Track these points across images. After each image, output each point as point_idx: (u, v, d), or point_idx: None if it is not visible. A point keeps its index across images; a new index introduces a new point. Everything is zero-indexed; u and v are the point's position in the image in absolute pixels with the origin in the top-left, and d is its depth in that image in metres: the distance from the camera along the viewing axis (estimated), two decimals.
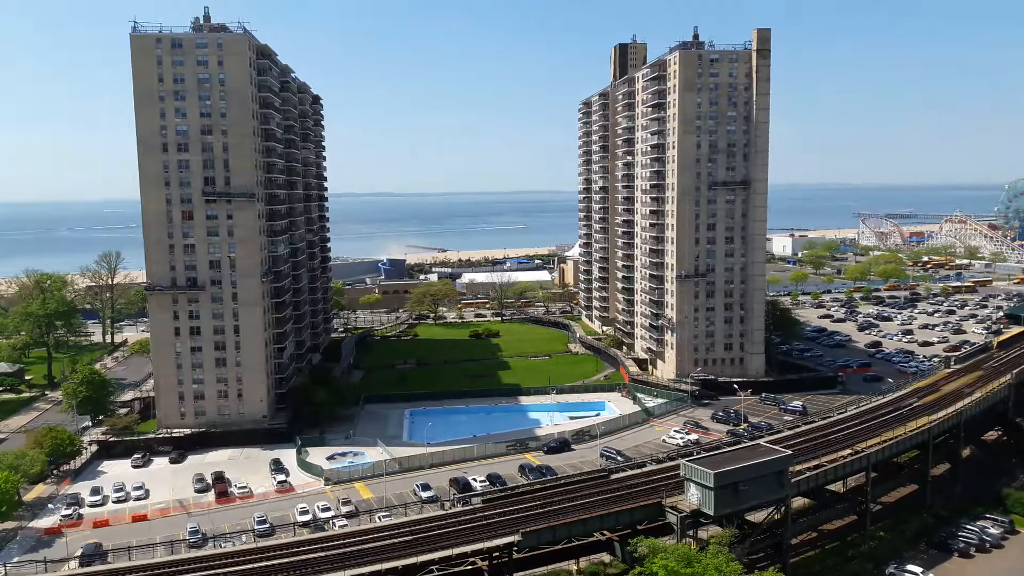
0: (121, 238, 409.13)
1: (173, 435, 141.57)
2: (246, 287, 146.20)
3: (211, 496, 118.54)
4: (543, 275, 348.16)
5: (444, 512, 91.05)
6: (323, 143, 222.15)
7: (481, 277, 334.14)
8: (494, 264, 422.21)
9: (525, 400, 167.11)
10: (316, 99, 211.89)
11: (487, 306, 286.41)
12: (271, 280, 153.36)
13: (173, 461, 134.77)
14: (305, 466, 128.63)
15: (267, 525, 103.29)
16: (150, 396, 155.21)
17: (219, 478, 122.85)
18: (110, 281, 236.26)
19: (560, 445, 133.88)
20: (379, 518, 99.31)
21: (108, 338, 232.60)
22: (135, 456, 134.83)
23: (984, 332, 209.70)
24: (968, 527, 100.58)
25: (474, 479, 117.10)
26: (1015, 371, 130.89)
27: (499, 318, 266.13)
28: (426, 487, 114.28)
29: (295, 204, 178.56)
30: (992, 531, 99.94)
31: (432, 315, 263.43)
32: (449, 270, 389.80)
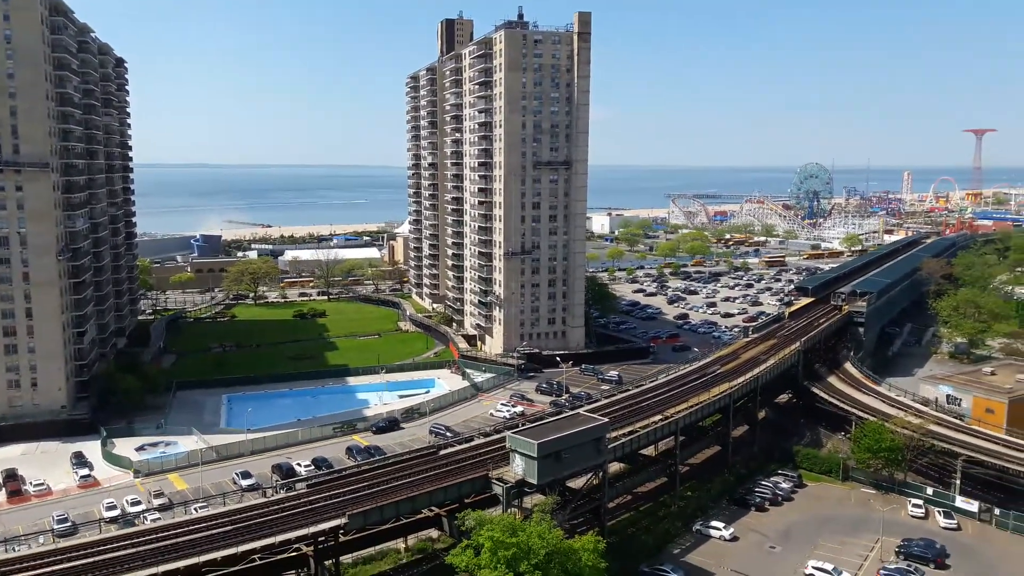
0: None
1: None
2: (40, 266, 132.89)
3: (1, 496, 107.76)
4: (372, 252, 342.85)
5: (266, 500, 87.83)
6: (128, 109, 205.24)
7: (306, 254, 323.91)
8: (320, 241, 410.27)
9: (353, 381, 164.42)
10: (120, 61, 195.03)
11: (312, 285, 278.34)
12: (68, 258, 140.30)
13: None
14: (111, 458, 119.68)
15: (68, 524, 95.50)
16: None
17: (11, 476, 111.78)
18: None
19: (389, 424, 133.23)
20: (195, 509, 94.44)
21: None
22: None
23: (778, 304, 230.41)
24: (763, 483, 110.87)
25: (298, 464, 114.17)
26: (803, 339, 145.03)
27: (325, 297, 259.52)
28: (246, 475, 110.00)
29: (96, 175, 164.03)
30: (784, 485, 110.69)
31: (252, 295, 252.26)
32: (270, 247, 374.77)
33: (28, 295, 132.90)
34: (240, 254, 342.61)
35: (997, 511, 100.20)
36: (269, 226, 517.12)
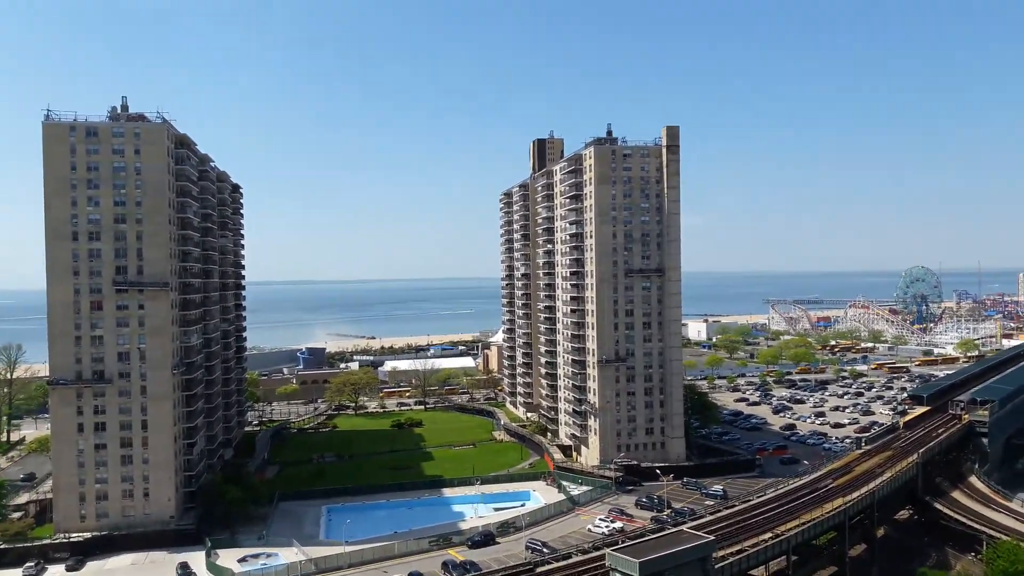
0: (20, 330, 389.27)
1: (71, 540, 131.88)
2: (156, 380, 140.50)
3: None
4: (467, 361, 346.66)
5: None
6: (242, 231, 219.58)
7: (404, 364, 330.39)
8: (418, 351, 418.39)
9: (448, 492, 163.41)
10: (236, 187, 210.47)
11: (410, 394, 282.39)
12: (182, 372, 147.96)
13: (70, 568, 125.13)
14: (215, 570, 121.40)
15: None
16: (47, 498, 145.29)
17: None
18: (9, 375, 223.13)
19: (484, 539, 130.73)
20: None
21: (4, 436, 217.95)
22: (27, 565, 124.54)
23: (891, 413, 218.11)
24: None
25: None
26: (921, 450, 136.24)
27: (422, 406, 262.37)
28: None
29: (210, 293, 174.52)
30: None
31: (352, 405, 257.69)
32: (371, 358, 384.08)
33: (144, 408, 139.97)
34: (343, 365, 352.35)
35: None
36: (373, 337, 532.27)
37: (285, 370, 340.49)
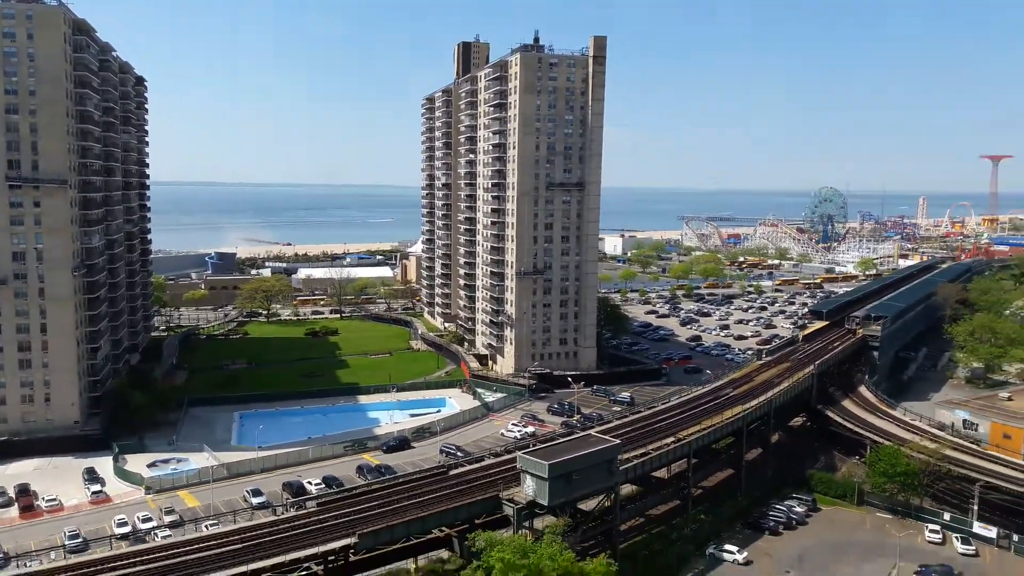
0: None
1: None
2: (55, 281, 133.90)
3: (14, 511, 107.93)
4: (385, 271, 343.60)
5: (276, 517, 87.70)
6: (146, 127, 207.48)
7: (319, 272, 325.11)
8: (334, 259, 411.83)
9: (364, 399, 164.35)
10: (140, 80, 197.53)
11: (325, 303, 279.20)
12: (84, 274, 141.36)
13: None
14: (123, 475, 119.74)
15: (80, 540, 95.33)
16: None
17: (23, 491, 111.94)
18: None
19: (399, 443, 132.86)
20: (206, 527, 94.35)
21: None
22: None
23: (791, 327, 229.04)
24: (777, 507, 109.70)
25: (309, 482, 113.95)
26: (817, 362, 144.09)
27: (338, 315, 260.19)
28: (257, 492, 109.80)
29: (112, 192, 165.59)
30: (798, 509, 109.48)
31: (265, 313, 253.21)
32: (284, 265, 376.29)
33: (43, 310, 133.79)
34: (254, 272, 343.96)
35: (1016, 537, 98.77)
36: (288, 244, 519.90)
37: (193, 275, 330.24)
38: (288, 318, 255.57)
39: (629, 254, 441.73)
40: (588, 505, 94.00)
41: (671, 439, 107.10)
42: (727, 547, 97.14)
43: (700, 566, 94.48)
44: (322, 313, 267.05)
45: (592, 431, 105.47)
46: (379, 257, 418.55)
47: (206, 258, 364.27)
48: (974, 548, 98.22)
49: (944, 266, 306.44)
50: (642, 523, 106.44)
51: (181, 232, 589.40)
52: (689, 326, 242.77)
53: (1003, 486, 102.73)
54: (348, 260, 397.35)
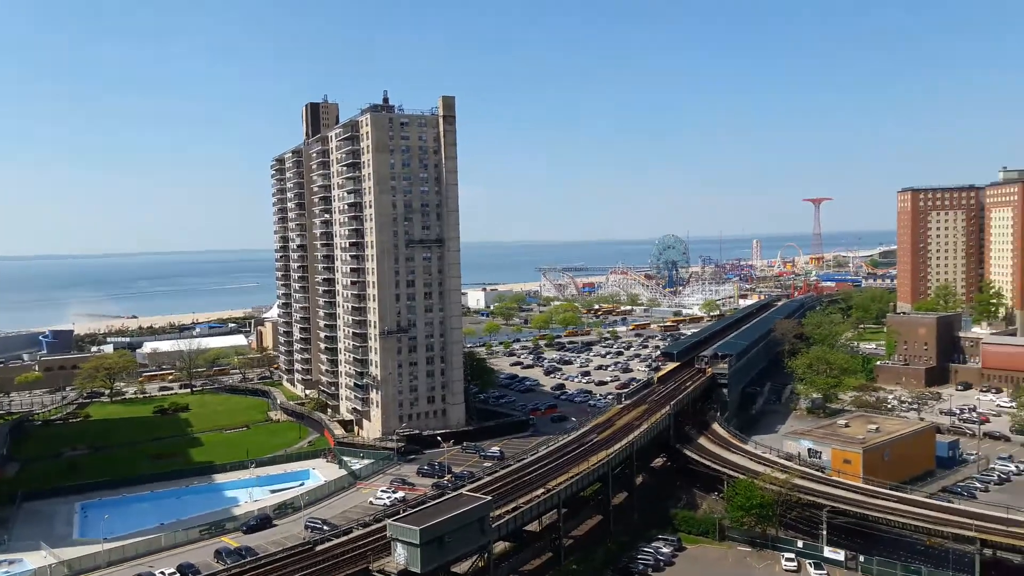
0: None
1: None
2: None
3: None
4: (239, 339, 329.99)
5: None
6: None
7: (166, 345, 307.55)
8: (181, 330, 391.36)
9: (220, 478, 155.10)
10: None
11: (173, 378, 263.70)
12: None
13: None
14: None
15: None
16: None
17: None
18: None
19: (260, 522, 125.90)
20: None
21: None
22: None
23: (646, 369, 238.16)
24: (645, 549, 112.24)
25: (162, 572, 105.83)
26: (672, 402, 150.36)
27: (189, 390, 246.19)
28: None
29: None
30: (665, 550, 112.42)
31: (108, 392, 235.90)
32: (128, 339, 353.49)
33: None
34: (94, 349, 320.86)
35: (862, 558, 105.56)
36: (134, 317, 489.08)
37: (26, 356, 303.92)
38: (134, 396, 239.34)
39: (492, 307, 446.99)
40: (462, 567, 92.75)
41: (541, 491, 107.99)
42: None
43: None
44: (171, 388, 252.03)
45: (463, 490, 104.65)
46: (232, 325, 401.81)
47: (40, 337, 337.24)
48: (826, 572, 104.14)
49: (780, 303, 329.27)
50: None
51: (10, 311, 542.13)
52: (553, 375, 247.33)
53: (847, 509, 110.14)
54: (198, 330, 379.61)
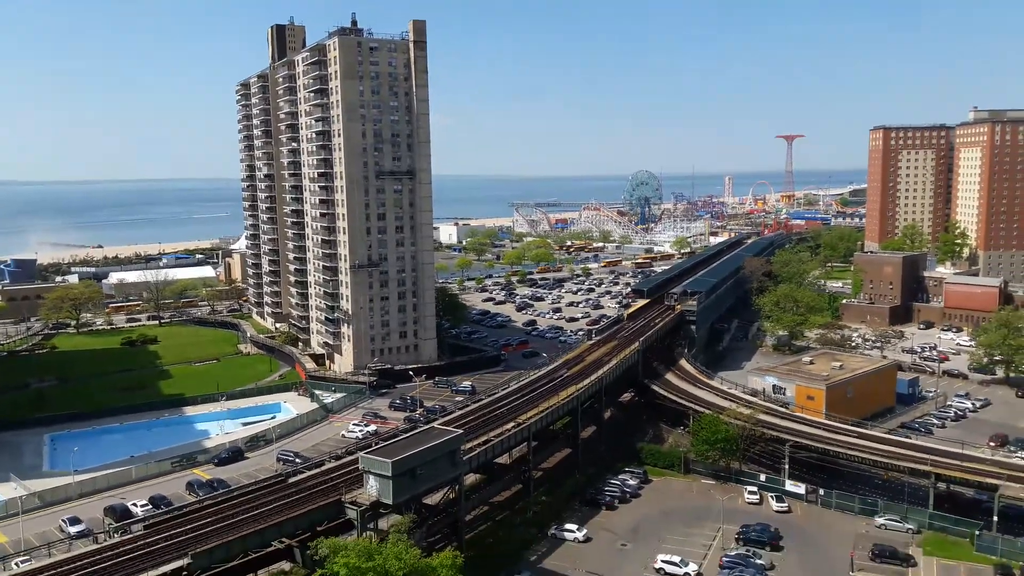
0: None
1: None
2: None
3: None
4: (207, 271, 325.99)
5: (99, 546, 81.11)
6: None
7: (133, 276, 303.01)
8: (148, 261, 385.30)
9: (191, 410, 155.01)
10: None
11: (141, 309, 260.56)
12: None
13: None
14: None
15: None
16: None
17: None
18: None
19: (232, 455, 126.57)
20: (16, 565, 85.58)
21: None
22: None
23: (617, 306, 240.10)
24: (612, 482, 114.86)
25: (134, 504, 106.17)
26: (641, 339, 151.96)
27: (157, 322, 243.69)
28: (75, 520, 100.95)
29: None
30: (631, 483, 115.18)
31: (74, 323, 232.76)
32: (94, 270, 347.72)
33: None
34: (59, 279, 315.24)
35: (822, 492, 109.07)
36: (100, 246, 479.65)
37: None
38: (101, 328, 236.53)
39: (464, 242, 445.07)
40: (434, 499, 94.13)
41: (511, 424, 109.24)
42: (567, 526, 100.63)
43: (543, 548, 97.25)
44: (139, 320, 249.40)
45: (435, 424, 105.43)
46: (199, 256, 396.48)
47: (1, 266, 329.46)
48: (787, 505, 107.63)
49: (750, 241, 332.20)
50: (487, 511, 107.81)
51: None
52: (525, 311, 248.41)
53: (809, 444, 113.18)
54: (164, 261, 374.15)
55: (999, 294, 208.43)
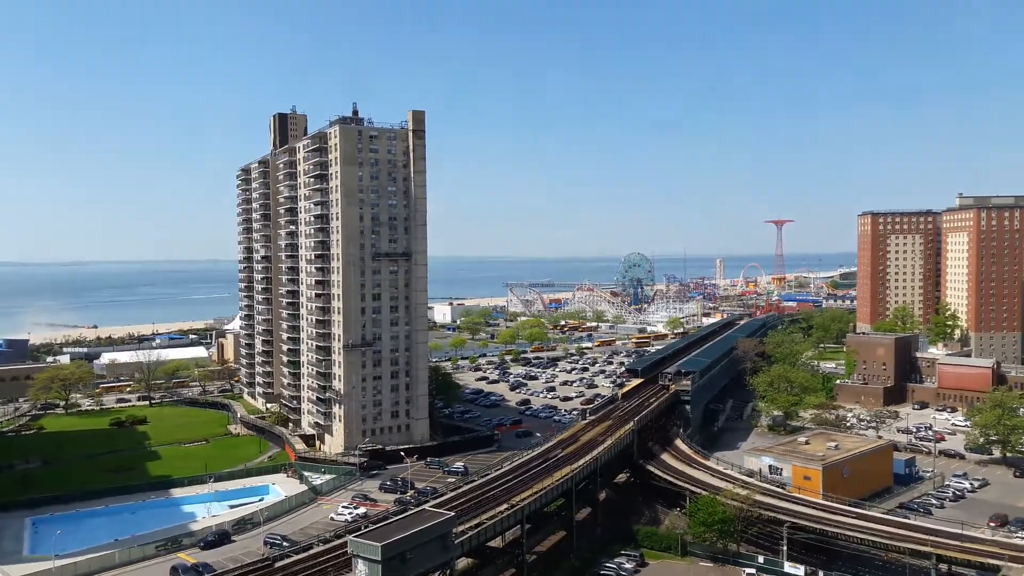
0: None
1: None
2: None
3: None
4: (199, 351, 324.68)
5: None
6: None
7: (125, 356, 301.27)
8: (141, 341, 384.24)
9: (178, 492, 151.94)
10: None
11: (131, 389, 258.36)
12: None
13: None
14: None
15: None
16: None
17: None
18: None
19: (219, 538, 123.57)
20: None
21: None
22: None
23: (611, 385, 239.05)
24: (608, 565, 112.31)
25: None
26: (636, 418, 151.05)
27: (147, 402, 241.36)
28: None
29: None
30: (627, 566, 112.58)
31: (63, 404, 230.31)
32: (85, 350, 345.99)
33: None
34: (50, 359, 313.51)
35: (821, 573, 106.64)
36: (94, 326, 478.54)
37: None
38: (90, 408, 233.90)
39: (458, 322, 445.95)
40: None
41: (504, 506, 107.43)
42: None
43: None
44: (129, 400, 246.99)
45: (426, 506, 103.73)
46: (192, 337, 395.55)
47: None
48: None
49: (742, 322, 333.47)
50: None
51: None
52: (518, 390, 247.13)
53: (807, 525, 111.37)
54: (158, 341, 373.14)
55: (992, 374, 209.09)
